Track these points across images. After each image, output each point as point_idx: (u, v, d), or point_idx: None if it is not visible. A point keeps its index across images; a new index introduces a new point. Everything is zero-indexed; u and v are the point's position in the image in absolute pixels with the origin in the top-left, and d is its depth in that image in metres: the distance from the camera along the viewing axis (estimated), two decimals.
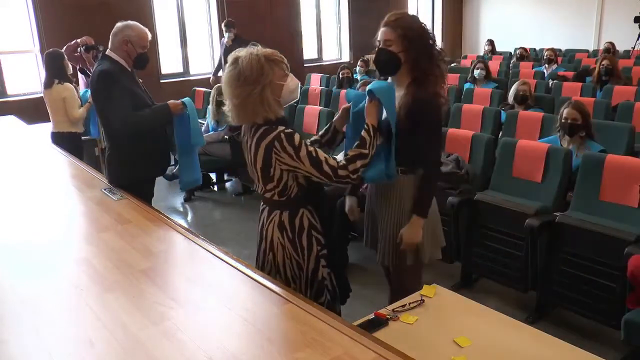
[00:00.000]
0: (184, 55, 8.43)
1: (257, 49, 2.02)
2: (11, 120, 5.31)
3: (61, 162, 3.65)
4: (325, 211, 2.23)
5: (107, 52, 2.99)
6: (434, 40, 2.26)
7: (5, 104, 6.67)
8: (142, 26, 3.04)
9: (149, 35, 3.05)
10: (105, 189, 2.87)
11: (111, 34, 2.99)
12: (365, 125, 2.07)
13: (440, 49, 2.33)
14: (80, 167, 3.43)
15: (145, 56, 3.05)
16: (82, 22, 6.66)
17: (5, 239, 2.31)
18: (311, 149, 1.97)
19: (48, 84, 4.76)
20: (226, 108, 2.07)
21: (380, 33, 2.22)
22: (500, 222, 3.20)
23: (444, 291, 2.02)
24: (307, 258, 2.11)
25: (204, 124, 5.77)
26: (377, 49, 2.25)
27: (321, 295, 2.17)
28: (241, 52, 2.02)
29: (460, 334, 1.72)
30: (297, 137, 1.96)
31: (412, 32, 2.18)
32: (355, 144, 2.05)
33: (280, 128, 1.96)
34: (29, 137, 4.66)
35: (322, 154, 1.98)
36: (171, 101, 3.07)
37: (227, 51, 7.62)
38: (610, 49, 8.00)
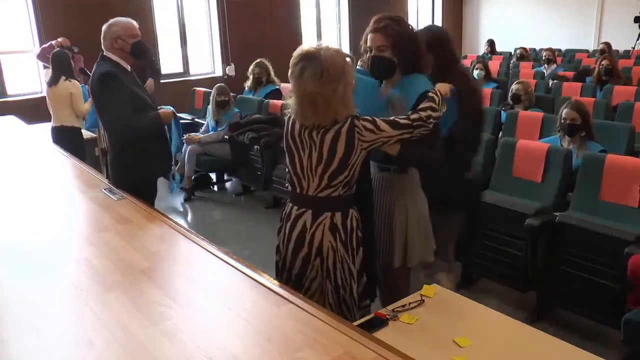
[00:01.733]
0: (184, 55, 8.43)
1: (327, 45, 1.95)
2: (11, 120, 5.31)
3: (61, 162, 3.64)
4: (370, 211, 2.22)
5: (105, 53, 2.98)
6: (419, 40, 2.28)
7: (5, 104, 6.67)
8: (124, 18, 3.00)
9: (135, 23, 3.01)
10: (105, 189, 2.87)
11: (102, 38, 2.98)
12: (435, 90, 2.15)
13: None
14: (80, 167, 3.42)
15: (140, 44, 2.99)
16: (82, 22, 6.66)
17: (5, 239, 2.31)
18: (381, 117, 2.02)
19: (54, 81, 4.97)
20: (291, 103, 2.00)
21: (371, 39, 2.23)
22: (500, 222, 3.19)
23: (444, 291, 2.02)
24: (355, 259, 2.08)
25: (204, 123, 5.78)
26: (371, 55, 2.24)
27: (365, 299, 2.15)
28: (307, 47, 1.94)
29: (460, 334, 1.72)
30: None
31: (403, 37, 2.19)
32: (425, 100, 2.11)
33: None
34: (29, 137, 4.66)
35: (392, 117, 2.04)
36: (162, 110, 3.09)
37: None
38: (606, 50, 8.01)
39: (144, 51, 3.05)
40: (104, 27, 2.97)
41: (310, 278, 2.11)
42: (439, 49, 2.52)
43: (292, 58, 1.94)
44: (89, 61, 5.08)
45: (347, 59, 1.96)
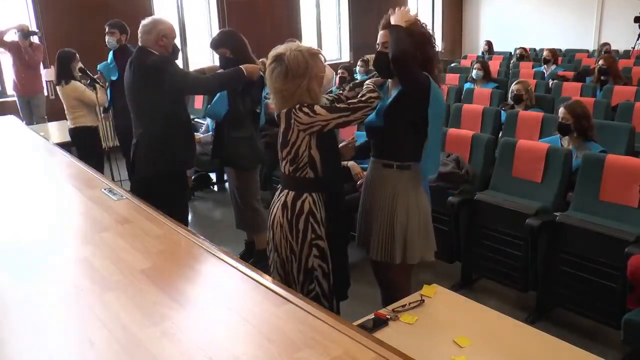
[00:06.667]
0: (184, 55, 8.43)
1: (298, 45, 2.17)
2: (11, 120, 5.31)
3: (61, 161, 3.64)
4: (338, 205, 2.29)
5: (148, 48, 3.11)
6: (433, 42, 2.26)
7: (5, 104, 6.67)
8: (165, 18, 3.21)
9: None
10: (105, 189, 2.87)
11: (142, 32, 3.11)
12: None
13: (438, 51, 2.37)
14: (80, 166, 3.42)
15: (176, 46, 3.24)
16: (82, 22, 6.66)
17: (5, 238, 2.31)
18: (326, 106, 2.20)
19: (57, 82, 4.95)
20: (270, 101, 2.25)
21: (379, 36, 2.25)
22: (500, 222, 3.20)
23: (444, 291, 2.02)
24: (300, 242, 2.21)
25: (204, 123, 5.78)
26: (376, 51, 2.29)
27: (310, 283, 2.25)
28: (280, 48, 2.16)
29: (460, 334, 1.72)
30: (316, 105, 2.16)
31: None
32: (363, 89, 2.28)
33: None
34: (29, 137, 4.65)
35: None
36: (246, 65, 3.18)
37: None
38: (607, 50, 8.02)
39: (178, 54, 3.29)
40: (146, 22, 3.13)
41: (269, 250, 2.35)
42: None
43: (268, 59, 2.19)
44: (87, 60, 5.07)
45: (314, 56, 2.16)
